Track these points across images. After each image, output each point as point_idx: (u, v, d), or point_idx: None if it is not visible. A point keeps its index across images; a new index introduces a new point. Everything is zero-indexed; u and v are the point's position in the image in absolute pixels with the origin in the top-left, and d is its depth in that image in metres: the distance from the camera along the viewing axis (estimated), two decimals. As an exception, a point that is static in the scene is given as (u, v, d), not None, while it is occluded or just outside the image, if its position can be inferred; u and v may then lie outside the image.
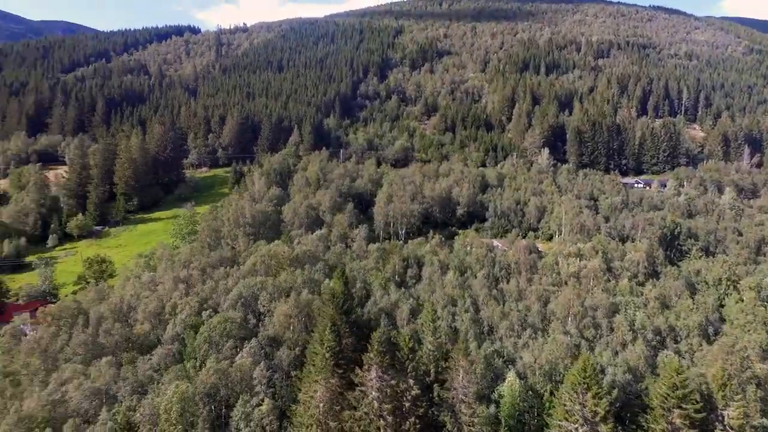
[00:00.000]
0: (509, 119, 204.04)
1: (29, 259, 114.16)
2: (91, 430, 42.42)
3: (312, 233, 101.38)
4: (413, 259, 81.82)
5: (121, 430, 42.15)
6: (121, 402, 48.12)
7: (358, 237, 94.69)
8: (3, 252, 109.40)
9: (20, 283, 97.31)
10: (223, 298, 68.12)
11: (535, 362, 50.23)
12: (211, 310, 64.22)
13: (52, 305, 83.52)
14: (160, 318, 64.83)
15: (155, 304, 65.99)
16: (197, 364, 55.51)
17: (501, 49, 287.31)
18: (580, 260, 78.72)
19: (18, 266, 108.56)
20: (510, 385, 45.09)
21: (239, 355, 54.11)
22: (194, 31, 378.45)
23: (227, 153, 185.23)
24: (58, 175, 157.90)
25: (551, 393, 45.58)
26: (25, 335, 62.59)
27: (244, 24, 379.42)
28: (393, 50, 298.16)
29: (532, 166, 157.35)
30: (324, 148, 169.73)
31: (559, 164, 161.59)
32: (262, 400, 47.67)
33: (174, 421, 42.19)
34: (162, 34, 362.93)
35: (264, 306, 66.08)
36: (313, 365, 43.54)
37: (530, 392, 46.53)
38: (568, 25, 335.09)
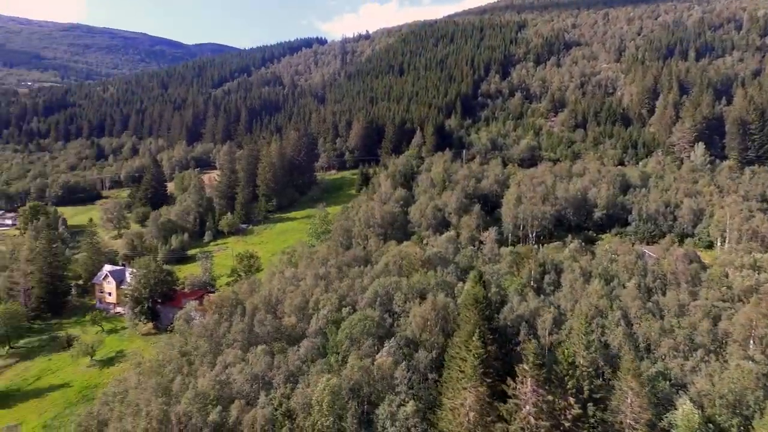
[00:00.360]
0: (651, 112, 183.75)
1: (191, 252, 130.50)
2: (254, 413, 46.28)
3: (439, 234, 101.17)
4: (551, 264, 77.12)
5: (282, 415, 45.49)
6: (276, 389, 51.99)
7: (489, 239, 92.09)
8: (171, 245, 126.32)
9: (185, 273, 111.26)
10: (359, 296, 70.58)
11: (714, 390, 43.57)
12: (350, 307, 66.85)
13: (212, 294, 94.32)
14: (304, 312, 69.08)
15: (299, 299, 70.49)
16: (339, 358, 58.06)
17: (639, 35, 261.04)
18: (758, 273, 67.28)
19: (183, 258, 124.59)
20: (686, 415, 39.49)
21: (379, 353, 55.37)
22: (322, 42, 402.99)
23: (354, 156, 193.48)
24: (211, 178, 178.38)
25: (742, 429, 39.05)
26: (194, 320, 71.06)
27: (367, 31, 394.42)
28: (516, 46, 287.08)
29: (682, 163, 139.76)
30: (447, 148, 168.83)
31: (716, 161, 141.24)
32: (404, 401, 48.15)
33: (326, 412, 44.39)
34: (294, 47, 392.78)
35: (399, 306, 67.08)
36: (461, 371, 42.76)
37: (711, 425, 40.37)
38: (724, 1, 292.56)
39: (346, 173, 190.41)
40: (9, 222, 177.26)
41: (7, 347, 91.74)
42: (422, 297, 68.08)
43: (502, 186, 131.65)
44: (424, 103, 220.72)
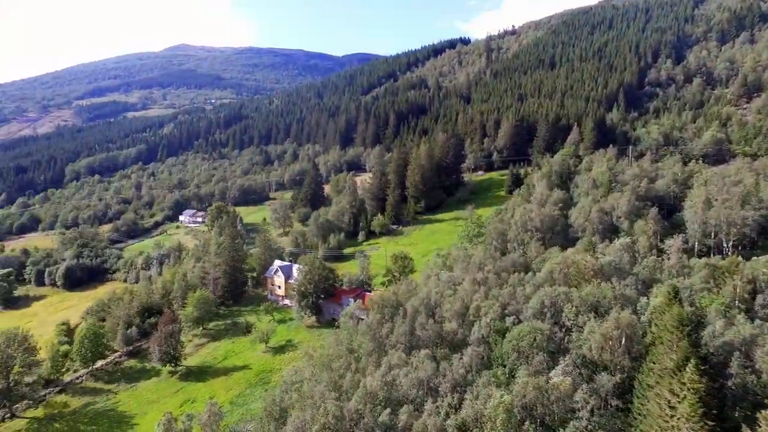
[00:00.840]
0: None
1: (346, 251, 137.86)
2: (424, 421, 45.48)
3: (608, 241, 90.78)
4: (764, 281, 63.30)
5: (456, 428, 43.99)
6: (443, 397, 50.67)
7: (674, 249, 79.67)
8: (330, 244, 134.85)
9: (342, 270, 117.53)
10: (523, 305, 66.06)
11: None
12: (514, 317, 62.88)
13: (369, 293, 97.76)
14: (464, 318, 66.94)
15: (459, 304, 68.53)
16: (506, 371, 54.66)
17: None
18: None
19: (340, 257, 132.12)
20: None
21: (553, 371, 50.63)
22: (465, 42, 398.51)
23: (502, 156, 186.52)
24: (363, 181, 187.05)
25: None
26: (359, 318, 73.78)
27: (513, 27, 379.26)
28: (692, 24, 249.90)
29: None
30: (610, 145, 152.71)
31: None
32: (588, 429, 42.99)
33: (500, 430, 41.62)
34: (437, 50, 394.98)
35: (570, 319, 61.01)
36: (670, 407, 36.45)
37: None
38: None
39: (494, 174, 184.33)
40: (200, 219, 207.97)
41: (201, 328, 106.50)
42: (595, 311, 61.16)
43: (683, 187, 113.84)
44: (580, 96, 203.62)
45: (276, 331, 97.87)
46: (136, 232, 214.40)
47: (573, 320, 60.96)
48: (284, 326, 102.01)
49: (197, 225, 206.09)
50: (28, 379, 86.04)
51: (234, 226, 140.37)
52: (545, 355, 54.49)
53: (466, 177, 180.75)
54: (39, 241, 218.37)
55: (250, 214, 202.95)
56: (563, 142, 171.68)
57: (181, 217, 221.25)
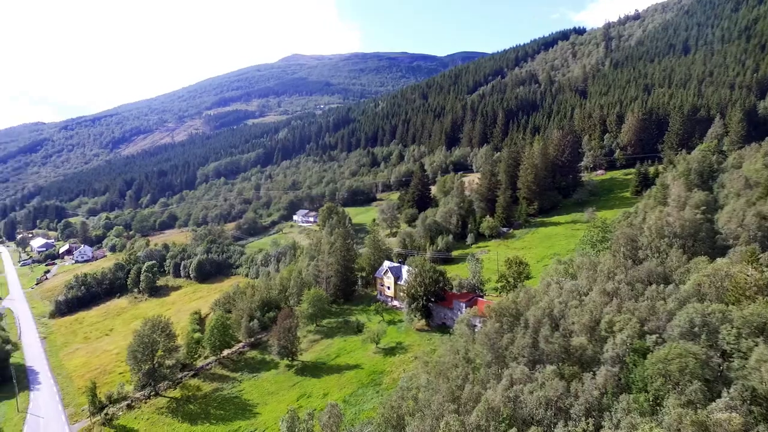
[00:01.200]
0: None
1: (454, 253, 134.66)
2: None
3: (769, 251, 76.98)
4: None
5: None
6: (576, 421, 45.79)
7: None
8: (437, 246, 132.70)
9: (450, 273, 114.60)
10: (666, 322, 58.00)
11: None
12: (656, 335, 55.35)
13: (481, 299, 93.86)
14: (593, 333, 60.60)
15: (587, 316, 62.24)
16: (650, 398, 47.97)
17: None
18: None
19: (448, 259, 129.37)
20: None
21: (714, 404, 43.15)
22: (579, 32, 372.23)
23: (625, 153, 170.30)
24: (470, 181, 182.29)
25: None
26: (474, 326, 70.62)
27: (636, 11, 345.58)
28: None
29: None
30: (766, 138, 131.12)
31: None
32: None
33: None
34: (548, 43, 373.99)
35: (730, 343, 52.08)
36: None
37: None
38: None
39: (617, 173, 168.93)
40: (311, 219, 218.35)
41: (314, 325, 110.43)
42: (763, 334, 51.56)
43: None
44: (723, 84, 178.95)
45: (386, 332, 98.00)
46: (255, 230, 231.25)
47: (734, 344, 51.96)
48: (394, 328, 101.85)
49: (309, 224, 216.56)
50: (168, 362, 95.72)
51: (344, 227, 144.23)
52: (700, 383, 46.93)
53: (585, 177, 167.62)
54: (176, 236, 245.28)
55: (357, 215, 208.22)
56: (701, 136, 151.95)
57: (294, 217, 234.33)
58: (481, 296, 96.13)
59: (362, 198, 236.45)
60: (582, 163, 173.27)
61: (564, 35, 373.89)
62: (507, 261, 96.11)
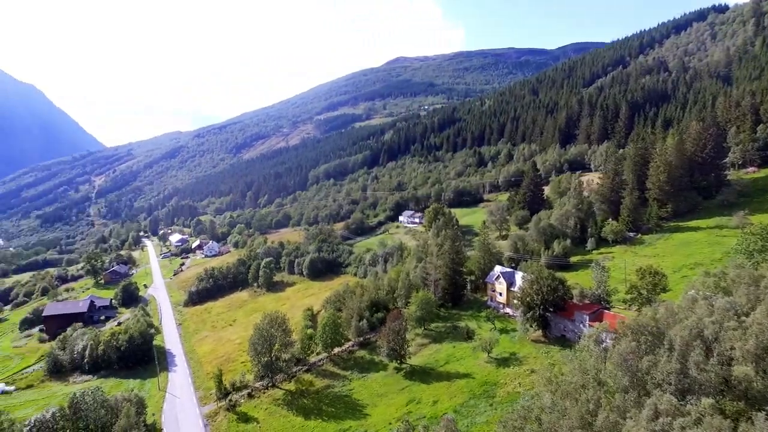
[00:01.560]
0: None
1: (573, 259, 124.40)
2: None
3: None
4: None
5: None
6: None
7: None
8: (553, 251, 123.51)
9: (569, 281, 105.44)
10: None
11: None
12: None
13: (607, 311, 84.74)
14: (760, 362, 50.51)
15: (752, 342, 52.04)
16: None
17: None
18: None
19: (565, 266, 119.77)
20: None
21: None
22: (720, 10, 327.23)
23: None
24: (589, 181, 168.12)
25: None
26: (604, 342, 63.25)
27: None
28: None
29: None
30: None
31: None
32: None
33: None
34: (680, 25, 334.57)
35: None
36: None
37: None
38: None
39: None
40: (417, 220, 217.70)
41: (422, 328, 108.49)
42: None
43: None
44: None
45: (498, 341, 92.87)
46: (362, 230, 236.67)
47: None
48: (506, 337, 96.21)
49: (415, 225, 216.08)
50: (284, 356, 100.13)
51: (452, 228, 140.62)
52: None
53: (731, 175, 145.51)
54: (290, 235, 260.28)
55: (464, 216, 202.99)
56: None
57: (400, 218, 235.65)
58: (608, 308, 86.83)
59: (468, 199, 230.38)
60: (728, 160, 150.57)
61: (701, 15, 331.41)
62: (639, 270, 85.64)
